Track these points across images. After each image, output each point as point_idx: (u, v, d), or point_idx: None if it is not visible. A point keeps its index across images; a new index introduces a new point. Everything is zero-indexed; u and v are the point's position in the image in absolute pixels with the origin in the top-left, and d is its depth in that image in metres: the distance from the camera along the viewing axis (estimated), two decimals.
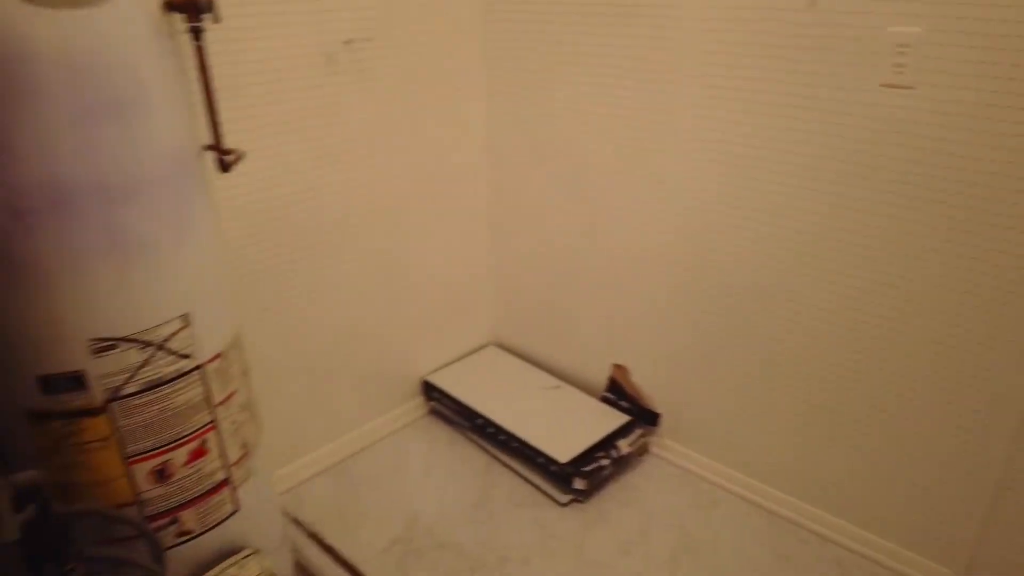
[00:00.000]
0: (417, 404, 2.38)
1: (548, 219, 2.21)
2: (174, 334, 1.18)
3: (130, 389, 1.16)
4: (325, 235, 1.96)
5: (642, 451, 2.15)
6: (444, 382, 2.32)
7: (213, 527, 1.34)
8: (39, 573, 1.06)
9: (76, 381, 1.12)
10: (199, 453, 1.27)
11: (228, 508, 1.35)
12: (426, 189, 2.18)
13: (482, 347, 2.56)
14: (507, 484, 2.05)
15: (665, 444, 2.15)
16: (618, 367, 2.19)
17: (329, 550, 1.79)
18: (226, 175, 1.31)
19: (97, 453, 1.18)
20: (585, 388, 2.30)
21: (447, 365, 2.44)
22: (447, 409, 2.30)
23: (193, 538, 1.32)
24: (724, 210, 1.79)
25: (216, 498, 1.32)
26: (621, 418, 2.14)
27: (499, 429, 2.12)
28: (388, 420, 2.30)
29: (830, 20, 1.50)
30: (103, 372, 1.13)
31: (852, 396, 1.73)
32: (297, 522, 1.88)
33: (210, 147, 1.27)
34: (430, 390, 2.34)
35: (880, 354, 1.65)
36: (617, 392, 2.21)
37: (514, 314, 2.47)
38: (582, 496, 1.98)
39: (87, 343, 1.11)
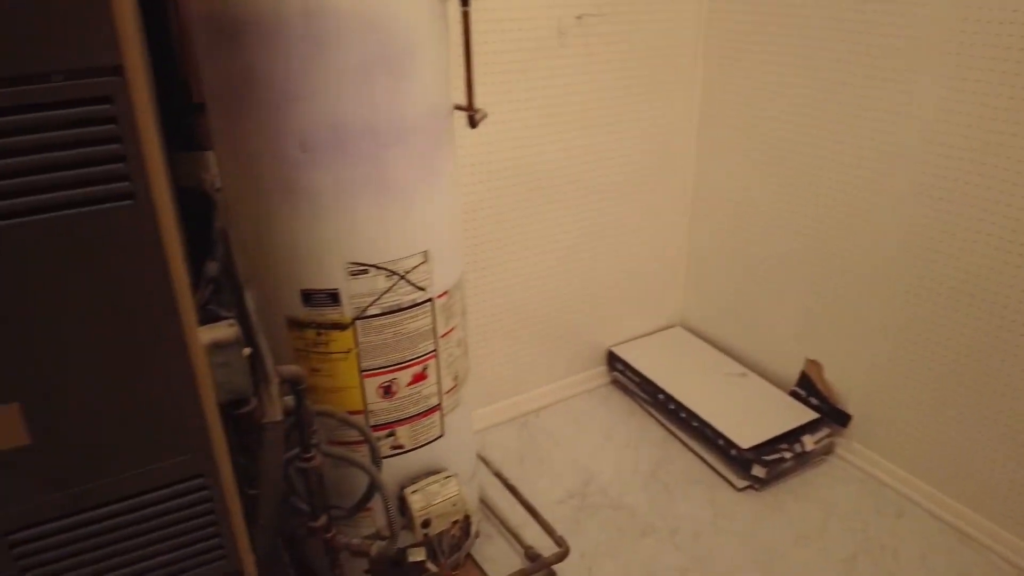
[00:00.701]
0: (600, 372, 2.46)
1: (757, 213, 2.18)
2: (415, 267, 1.33)
3: (373, 311, 1.32)
4: (542, 199, 2.07)
5: (827, 450, 2.09)
6: (629, 355, 2.38)
7: (421, 446, 1.49)
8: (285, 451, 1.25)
9: (332, 298, 1.29)
10: (420, 377, 1.42)
11: (436, 431, 1.50)
12: (635, 167, 2.23)
13: (669, 327, 2.58)
14: (683, 460, 2.08)
15: (853, 447, 2.08)
16: (812, 362, 2.14)
17: (512, 490, 1.91)
18: (463, 134, 1.43)
19: (339, 363, 1.35)
20: (772, 380, 2.26)
21: (632, 340, 2.49)
22: (629, 381, 2.36)
23: (404, 452, 1.47)
24: (964, 219, 1.69)
25: (427, 420, 1.47)
26: (809, 414, 2.10)
27: (680, 406, 2.14)
28: (572, 383, 2.40)
29: None
30: (354, 293, 1.29)
31: None
32: (484, 461, 2.02)
33: (460, 106, 1.40)
34: (614, 361, 2.41)
35: None
36: (808, 388, 2.16)
37: (705, 299, 2.47)
38: (759, 484, 1.97)
39: (345, 266, 1.27)
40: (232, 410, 1.19)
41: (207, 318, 1.04)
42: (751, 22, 2.05)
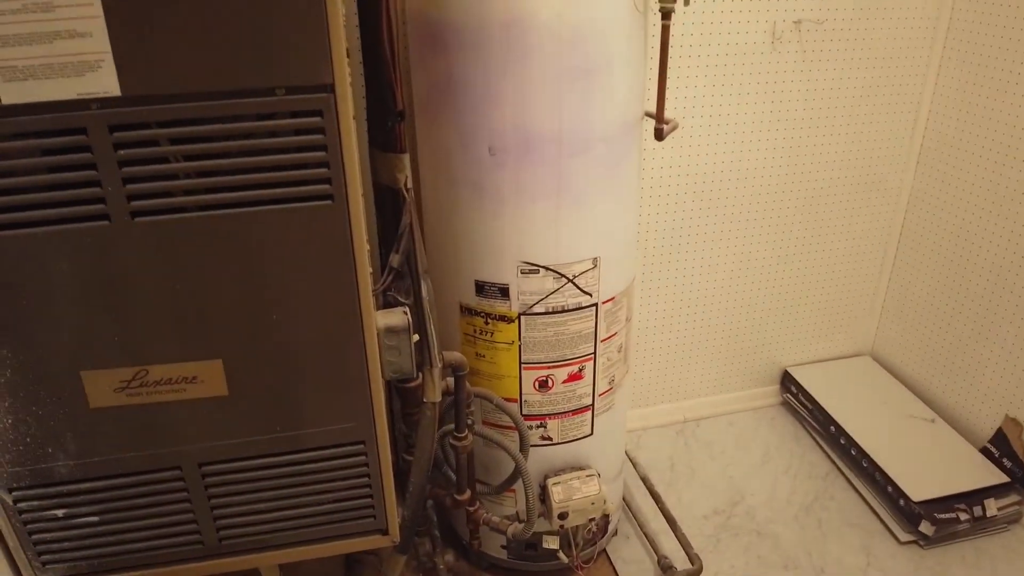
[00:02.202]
0: (771, 392, 2.37)
1: (981, 245, 1.98)
2: (583, 272, 1.37)
3: (539, 309, 1.38)
4: (735, 209, 2.02)
5: (1012, 519, 1.89)
6: (806, 379, 2.27)
7: (569, 441, 1.54)
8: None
9: (502, 292, 1.37)
10: (576, 377, 1.47)
11: (586, 430, 1.54)
12: (844, 180, 2.10)
13: (856, 355, 2.43)
14: (844, 499, 1.97)
15: None
16: (1012, 420, 1.92)
17: (655, 497, 1.92)
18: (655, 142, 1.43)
19: (502, 352, 1.43)
20: (963, 431, 2.06)
21: (813, 363, 2.37)
22: (802, 406, 2.25)
23: (551, 444, 1.53)
24: None
25: (578, 418, 1.52)
26: (998, 475, 1.90)
27: (853, 443, 2.02)
28: (740, 397, 2.33)
29: None
30: (523, 290, 1.36)
31: None
32: (632, 462, 2.04)
33: (650, 114, 1.40)
34: (789, 382, 2.31)
35: None
36: (1002, 447, 1.95)
37: (901, 330, 2.29)
38: (924, 541, 1.82)
39: (518, 264, 1.34)
40: (399, 384, 1.31)
41: (386, 304, 1.15)
42: (1012, 18, 1.84)
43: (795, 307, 2.26)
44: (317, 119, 0.86)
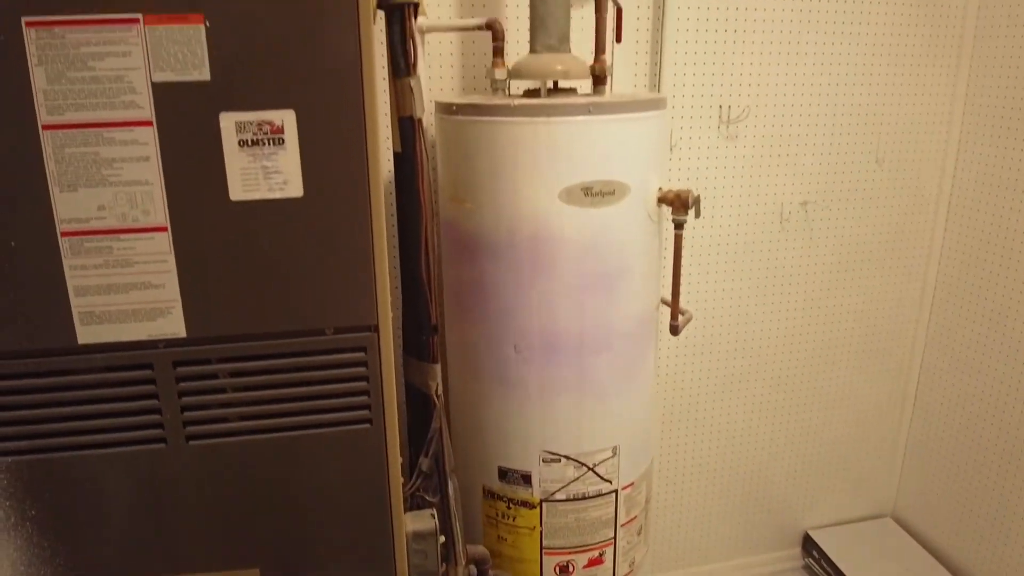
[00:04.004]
0: (793, 555, 2.34)
1: (997, 405, 2.01)
2: (604, 461, 1.41)
3: (560, 496, 1.41)
4: (744, 378, 2.08)
5: None
6: (828, 544, 2.24)
7: None
8: None
9: (525, 479, 1.41)
10: (596, 562, 1.48)
11: None
12: (858, 343, 2.16)
13: (878, 516, 2.40)
14: None
15: None
16: None
17: None
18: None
19: (524, 537, 1.46)
20: None
21: (834, 525, 2.35)
22: (824, 572, 2.22)
23: None
24: None
25: None
26: None
27: None
28: (760, 561, 2.30)
29: None
30: (546, 477, 1.40)
31: None
32: None
33: (666, 302, 1.49)
34: (811, 547, 2.28)
35: None
36: None
37: (923, 490, 2.28)
38: None
39: (541, 452, 1.39)
40: None
41: (414, 504, 1.20)
42: (1009, 189, 1.94)
43: (813, 468, 2.27)
44: (361, 354, 0.94)
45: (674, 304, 1.42)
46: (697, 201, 1.34)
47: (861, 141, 1.98)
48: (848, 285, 2.10)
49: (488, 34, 1.42)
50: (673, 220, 1.35)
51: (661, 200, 1.35)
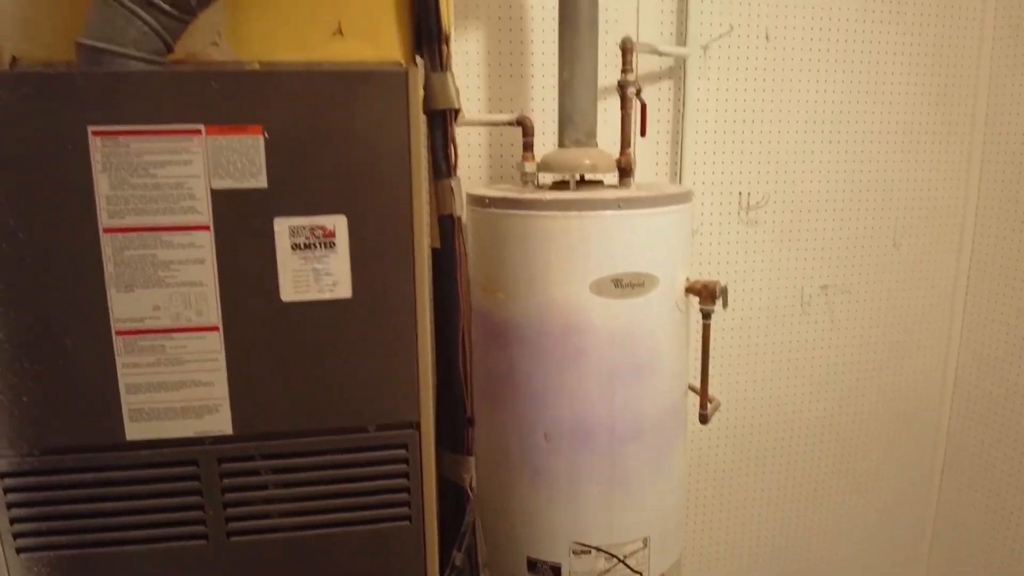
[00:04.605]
0: None
1: (1021, 499, 1.98)
2: (634, 552, 1.39)
3: None
4: (770, 461, 2.06)
5: None
6: None
7: None
8: None
9: (555, 571, 1.39)
10: None
11: None
12: (879, 425, 2.15)
13: None
14: None
15: None
16: None
17: None
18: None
19: None
20: None
21: None
22: None
23: None
24: None
25: None
26: None
27: None
28: None
29: None
30: (575, 569, 1.38)
31: None
32: None
33: (694, 388, 1.49)
34: None
35: None
36: None
37: (955, 569, 2.23)
38: None
39: (570, 544, 1.37)
40: None
41: None
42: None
43: (843, 547, 2.22)
44: (402, 451, 0.95)
45: (703, 393, 1.42)
46: (724, 292, 1.36)
47: (878, 224, 2.01)
48: (871, 366, 2.10)
49: (514, 127, 1.48)
50: (701, 310, 1.37)
51: (688, 290, 1.37)
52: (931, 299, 2.10)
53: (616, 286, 1.27)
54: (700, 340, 1.40)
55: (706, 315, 1.37)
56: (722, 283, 1.35)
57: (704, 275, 1.86)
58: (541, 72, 1.71)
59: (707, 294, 1.35)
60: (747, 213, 1.90)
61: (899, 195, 2.01)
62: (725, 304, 1.37)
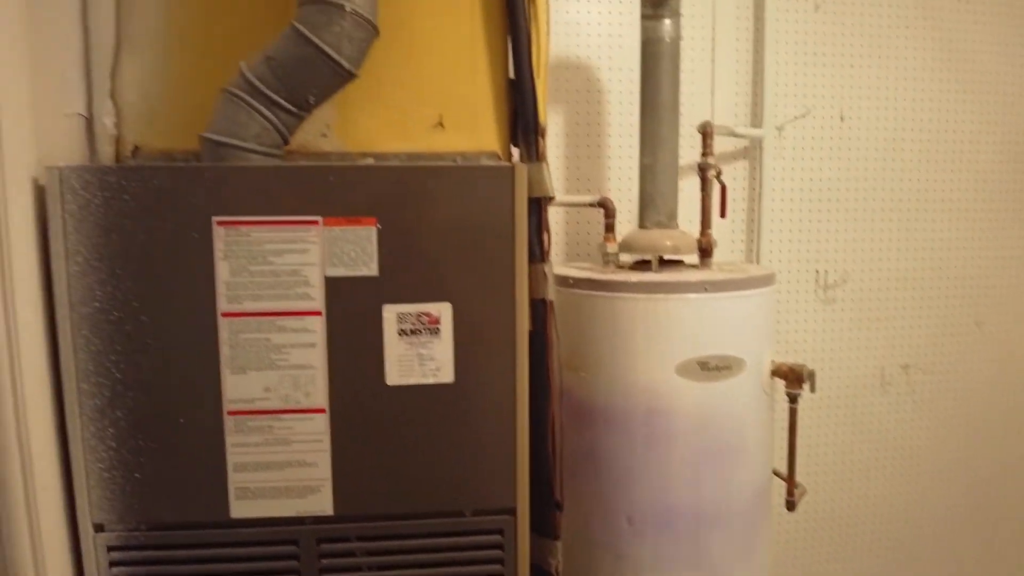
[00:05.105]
0: None
1: None
2: None
3: None
4: (856, 547, 1.98)
5: None
6: None
7: None
8: None
9: None
10: None
11: None
12: (968, 508, 2.05)
13: None
14: None
15: None
16: None
17: None
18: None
19: None
20: None
21: None
22: None
23: None
24: None
25: None
26: None
27: None
28: None
29: None
30: None
31: None
32: None
33: (779, 474, 1.46)
34: None
35: None
36: None
37: None
38: None
39: None
40: None
41: None
42: None
43: None
44: (498, 537, 0.95)
45: (790, 479, 1.39)
46: (812, 376, 1.34)
47: (960, 303, 1.97)
48: (955, 449, 2.02)
49: (594, 208, 1.51)
50: (788, 394, 1.35)
51: (774, 373, 1.36)
52: (1015, 377, 2.03)
53: (702, 369, 1.27)
54: (783, 423, 1.37)
55: (793, 399, 1.35)
56: (809, 367, 1.33)
57: (781, 353, 1.83)
58: (617, 153, 1.75)
59: (794, 377, 1.34)
60: (825, 291, 1.88)
61: (981, 273, 1.97)
62: (813, 388, 1.35)
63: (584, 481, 1.36)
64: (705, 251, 1.46)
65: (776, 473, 1.49)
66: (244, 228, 0.90)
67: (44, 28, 0.96)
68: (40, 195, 0.90)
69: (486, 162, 1.08)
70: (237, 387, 0.91)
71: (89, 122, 1.06)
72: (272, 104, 0.94)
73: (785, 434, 1.40)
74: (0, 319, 0.84)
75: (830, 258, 1.89)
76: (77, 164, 0.97)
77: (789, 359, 1.46)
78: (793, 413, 1.36)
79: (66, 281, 0.89)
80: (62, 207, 0.88)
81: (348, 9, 0.92)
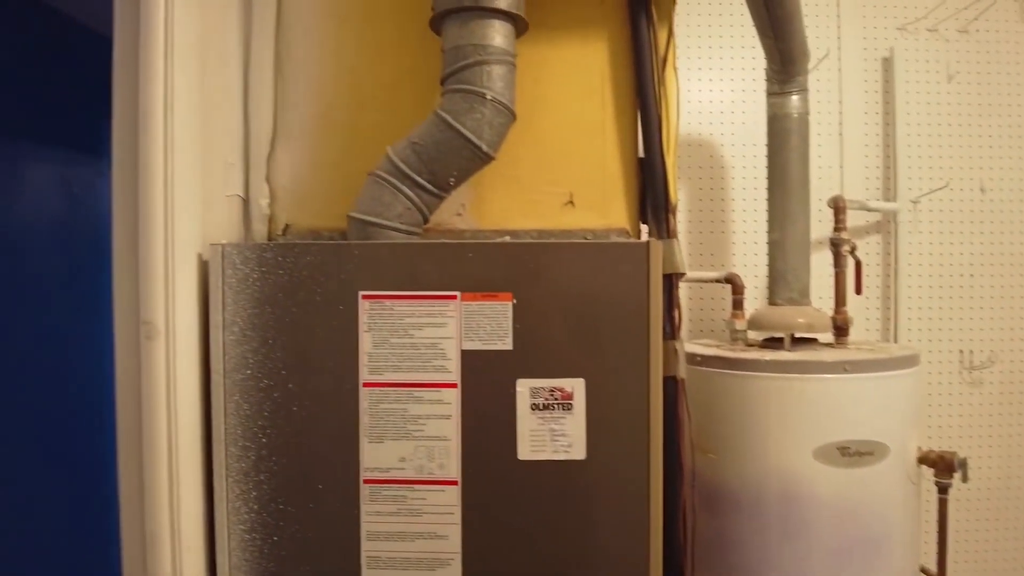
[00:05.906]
0: None
1: None
2: None
3: None
4: None
5: None
6: None
7: None
8: None
9: None
10: None
11: None
12: None
13: None
14: None
15: None
16: None
17: None
18: None
19: None
20: None
21: None
22: None
23: None
24: None
25: None
26: None
27: None
28: None
29: None
30: None
31: None
32: None
33: (927, 572, 1.34)
34: None
35: None
36: None
37: None
38: None
39: None
40: None
41: None
42: None
43: None
44: None
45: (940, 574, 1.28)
46: (964, 464, 1.24)
47: None
48: None
49: (721, 284, 1.48)
50: (937, 484, 1.26)
51: (922, 461, 1.27)
52: None
53: (843, 454, 1.20)
54: (930, 515, 1.27)
55: (943, 489, 1.25)
56: (960, 455, 1.24)
57: (922, 439, 1.71)
58: (742, 228, 1.73)
59: (944, 465, 1.25)
60: (970, 373, 1.76)
61: None
62: (965, 478, 1.25)
63: (713, 570, 1.30)
64: (841, 329, 1.40)
65: (924, 571, 1.37)
66: (387, 302, 0.94)
67: (212, 117, 1.05)
68: (203, 269, 0.97)
69: (616, 239, 1.09)
70: (374, 456, 0.94)
71: (246, 203, 1.15)
72: (415, 185, 0.99)
73: (933, 527, 1.30)
74: (162, 381, 0.91)
75: (975, 337, 1.77)
76: (237, 242, 1.04)
77: (933, 445, 1.36)
78: (943, 504, 1.26)
79: (222, 349, 0.95)
80: (223, 280, 0.95)
81: (488, 97, 0.97)
